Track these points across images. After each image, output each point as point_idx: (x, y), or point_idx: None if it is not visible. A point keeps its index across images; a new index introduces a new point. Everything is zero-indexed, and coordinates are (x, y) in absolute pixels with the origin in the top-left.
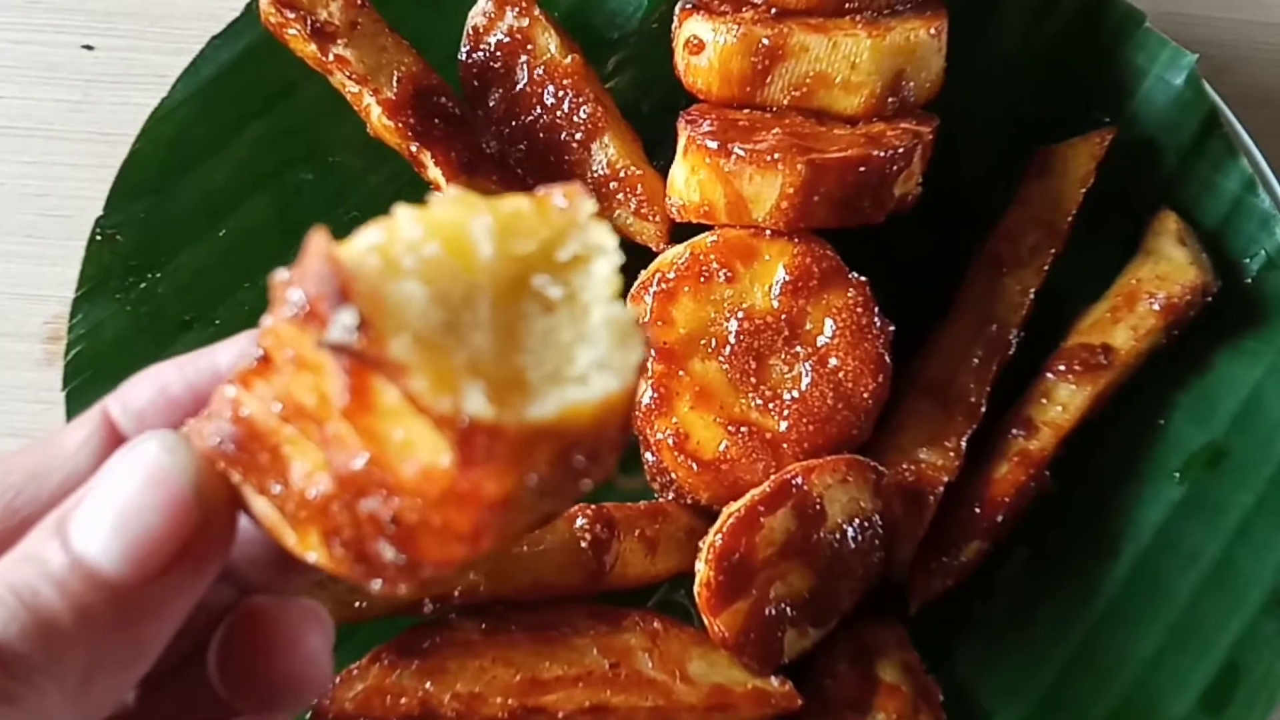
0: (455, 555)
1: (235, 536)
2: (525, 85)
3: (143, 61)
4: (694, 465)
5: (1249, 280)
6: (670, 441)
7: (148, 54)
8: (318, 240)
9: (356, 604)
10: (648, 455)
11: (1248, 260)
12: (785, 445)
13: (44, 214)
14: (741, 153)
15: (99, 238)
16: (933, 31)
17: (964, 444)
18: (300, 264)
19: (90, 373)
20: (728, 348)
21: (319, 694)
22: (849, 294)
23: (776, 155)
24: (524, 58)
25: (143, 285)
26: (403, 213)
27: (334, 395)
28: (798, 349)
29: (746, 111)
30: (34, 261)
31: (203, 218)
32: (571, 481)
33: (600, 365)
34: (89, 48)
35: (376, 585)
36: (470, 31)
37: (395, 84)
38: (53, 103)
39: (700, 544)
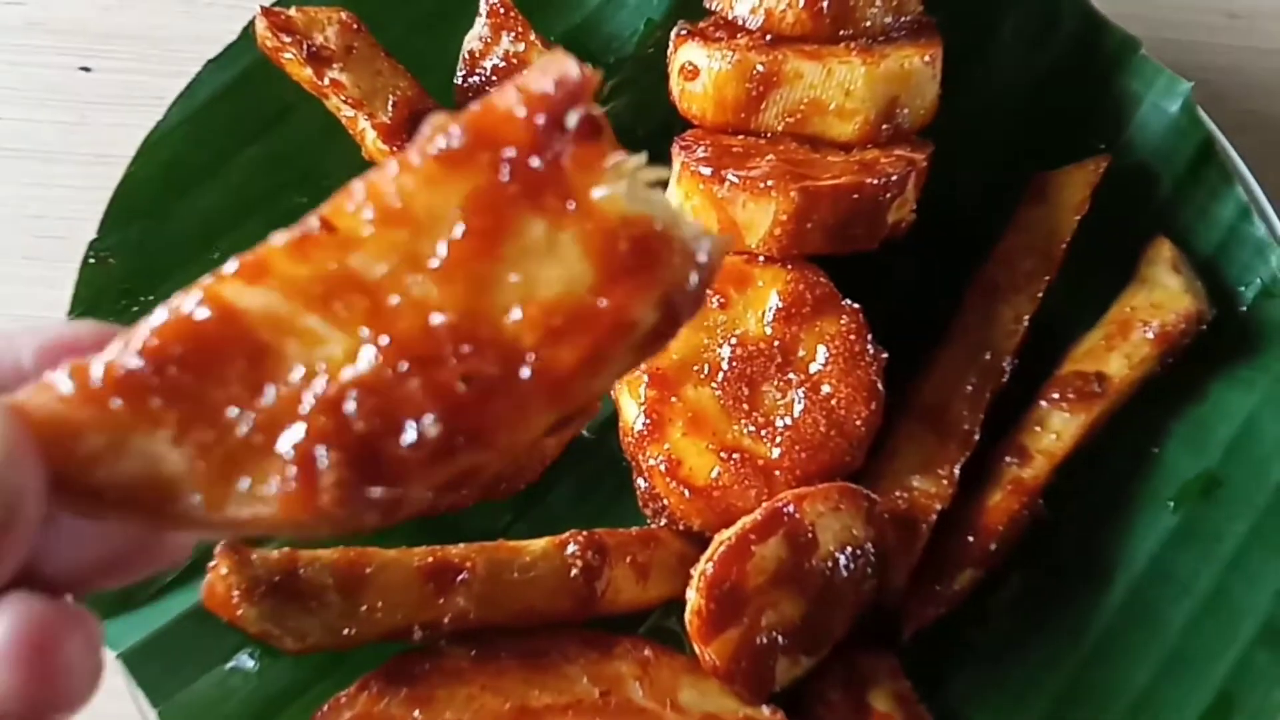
0: (526, 418)
1: (31, 541)
2: None
3: (140, 84)
4: (686, 492)
5: (1244, 308)
6: (662, 468)
7: (145, 76)
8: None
9: (345, 631)
10: (640, 481)
11: (1243, 288)
12: (778, 472)
13: (40, 236)
14: (735, 179)
15: (92, 260)
16: (927, 59)
17: (957, 471)
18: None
19: None
20: (721, 374)
21: (80, 706)
22: (842, 321)
23: (770, 182)
24: None
25: (135, 309)
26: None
27: (443, 241)
28: (791, 376)
29: (741, 137)
30: (29, 283)
31: (197, 241)
32: (668, 328)
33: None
34: (87, 70)
35: (355, 516)
36: (466, 56)
37: (390, 108)
38: (50, 124)
39: (692, 571)
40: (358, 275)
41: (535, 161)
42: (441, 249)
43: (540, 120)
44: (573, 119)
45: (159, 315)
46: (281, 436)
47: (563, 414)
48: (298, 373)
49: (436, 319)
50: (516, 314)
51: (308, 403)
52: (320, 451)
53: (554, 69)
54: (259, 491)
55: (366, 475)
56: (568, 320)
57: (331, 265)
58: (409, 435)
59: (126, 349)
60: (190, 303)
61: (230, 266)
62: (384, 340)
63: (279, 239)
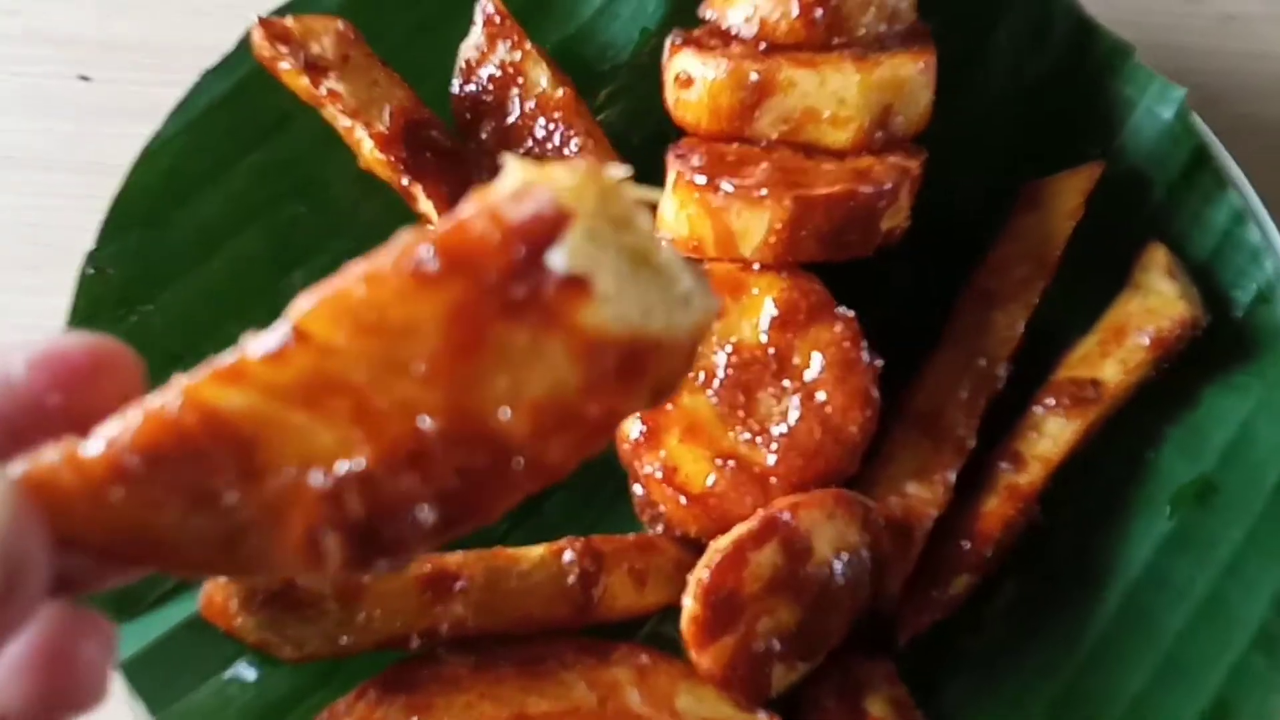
0: (520, 494)
1: (35, 609)
2: (517, 118)
3: (139, 93)
4: (682, 498)
5: (1239, 314)
6: (659, 475)
7: (143, 85)
8: (521, 172)
9: (343, 639)
10: (636, 488)
11: (1237, 294)
12: (774, 479)
13: (38, 245)
14: (729, 188)
15: (90, 271)
16: (921, 66)
17: (952, 477)
18: (499, 195)
19: None
20: (716, 381)
21: (91, 709)
22: (837, 328)
23: (764, 191)
24: (516, 91)
25: (134, 318)
26: (557, 170)
27: (423, 351)
28: (786, 383)
29: (735, 146)
30: (27, 293)
31: (195, 251)
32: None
33: (696, 293)
34: (85, 79)
35: (368, 571)
36: (463, 65)
37: (387, 118)
38: (48, 134)
39: (688, 578)
40: (339, 379)
41: (517, 289)
42: (423, 356)
43: (519, 252)
44: (558, 261)
45: (136, 414)
46: (284, 520)
47: (554, 482)
48: (292, 465)
49: (424, 421)
50: (505, 413)
51: (306, 491)
52: (323, 535)
53: (531, 198)
54: (264, 561)
55: (369, 551)
56: (556, 420)
57: (310, 371)
58: (406, 522)
59: (117, 444)
60: (171, 403)
61: (203, 372)
62: (373, 441)
63: (253, 349)
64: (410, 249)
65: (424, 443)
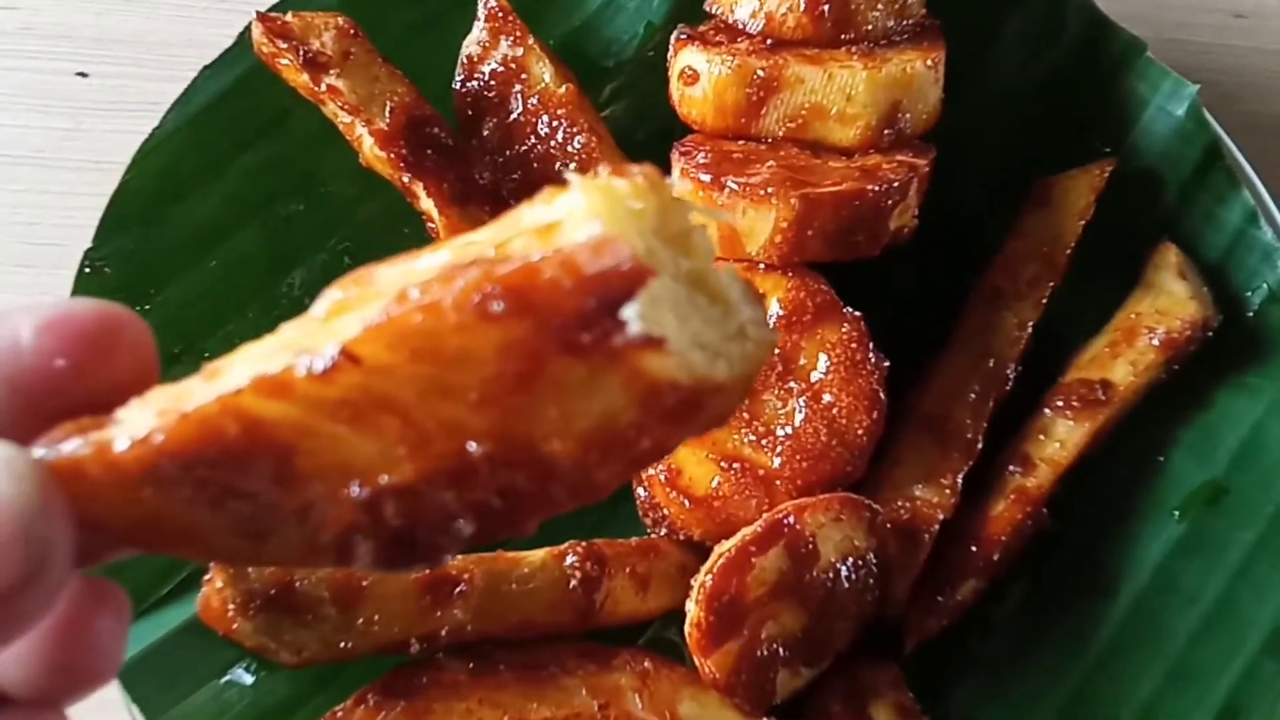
0: (558, 511)
1: (57, 597)
2: (519, 115)
3: (136, 89)
4: (686, 502)
5: (1250, 314)
6: (662, 477)
7: (141, 81)
8: (583, 190)
9: (342, 644)
10: (640, 491)
11: (1249, 294)
12: (779, 482)
13: (35, 243)
14: (735, 186)
15: (88, 269)
16: (930, 63)
17: (960, 481)
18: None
19: None
20: None
21: (105, 683)
22: (843, 329)
23: (770, 189)
24: (518, 87)
25: None
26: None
27: (476, 379)
28: (791, 384)
29: (741, 143)
30: (24, 291)
31: (193, 248)
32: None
33: (753, 324)
34: (82, 75)
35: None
36: (464, 61)
37: (388, 114)
38: (45, 130)
39: (692, 582)
40: (387, 399)
41: (583, 337)
42: (475, 383)
43: (590, 303)
44: (632, 319)
45: (170, 414)
46: (319, 521)
47: (594, 502)
48: (330, 473)
49: (471, 445)
50: (554, 441)
51: (342, 497)
52: (355, 539)
53: (610, 253)
54: (292, 555)
55: (403, 557)
56: (605, 449)
57: (358, 390)
58: (443, 535)
59: (150, 444)
60: (208, 409)
61: (242, 381)
62: (417, 459)
63: (301, 366)
64: (474, 287)
65: (468, 464)
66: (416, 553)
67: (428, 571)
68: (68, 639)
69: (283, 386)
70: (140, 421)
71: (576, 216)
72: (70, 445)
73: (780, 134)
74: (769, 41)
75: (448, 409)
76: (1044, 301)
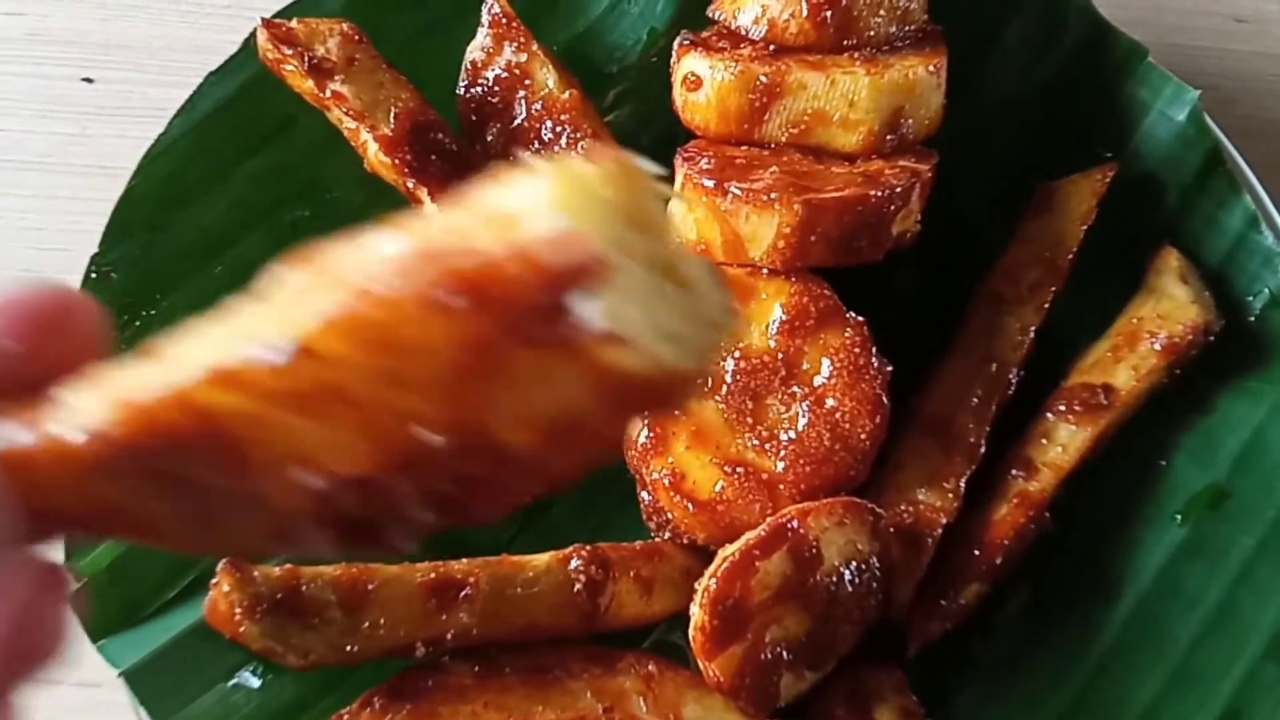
0: (520, 499)
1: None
2: (523, 120)
3: (141, 95)
4: (690, 506)
5: (1252, 319)
6: (666, 481)
7: (147, 87)
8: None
9: (348, 647)
10: (644, 495)
11: (1251, 298)
12: (782, 486)
13: (41, 248)
14: (738, 192)
15: (94, 275)
16: (932, 69)
17: (963, 485)
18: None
19: None
20: (724, 387)
21: (51, 666)
22: (846, 334)
23: (773, 195)
24: (522, 93)
25: (137, 323)
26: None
27: (432, 369)
28: (794, 389)
29: (744, 148)
30: None
31: (198, 254)
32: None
33: (720, 311)
34: (88, 80)
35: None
36: (468, 67)
37: (392, 120)
38: (51, 136)
39: (696, 586)
40: (342, 390)
41: (543, 331)
42: (431, 374)
43: (551, 298)
44: (593, 316)
45: (121, 403)
46: (270, 504)
47: (559, 489)
48: (284, 462)
49: (427, 435)
50: (511, 433)
51: (297, 487)
52: (312, 526)
53: (571, 247)
54: (242, 542)
55: (359, 544)
56: (564, 437)
57: (312, 381)
58: (399, 524)
59: (100, 435)
60: (160, 400)
61: (195, 371)
62: (372, 448)
63: (256, 358)
64: (434, 281)
65: (425, 453)
66: (374, 538)
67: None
68: (15, 626)
69: (237, 379)
70: (90, 410)
71: (541, 206)
72: (20, 435)
73: (783, 140)
74: (772, 47)
75: (404, 400)
76: (1046, 306)
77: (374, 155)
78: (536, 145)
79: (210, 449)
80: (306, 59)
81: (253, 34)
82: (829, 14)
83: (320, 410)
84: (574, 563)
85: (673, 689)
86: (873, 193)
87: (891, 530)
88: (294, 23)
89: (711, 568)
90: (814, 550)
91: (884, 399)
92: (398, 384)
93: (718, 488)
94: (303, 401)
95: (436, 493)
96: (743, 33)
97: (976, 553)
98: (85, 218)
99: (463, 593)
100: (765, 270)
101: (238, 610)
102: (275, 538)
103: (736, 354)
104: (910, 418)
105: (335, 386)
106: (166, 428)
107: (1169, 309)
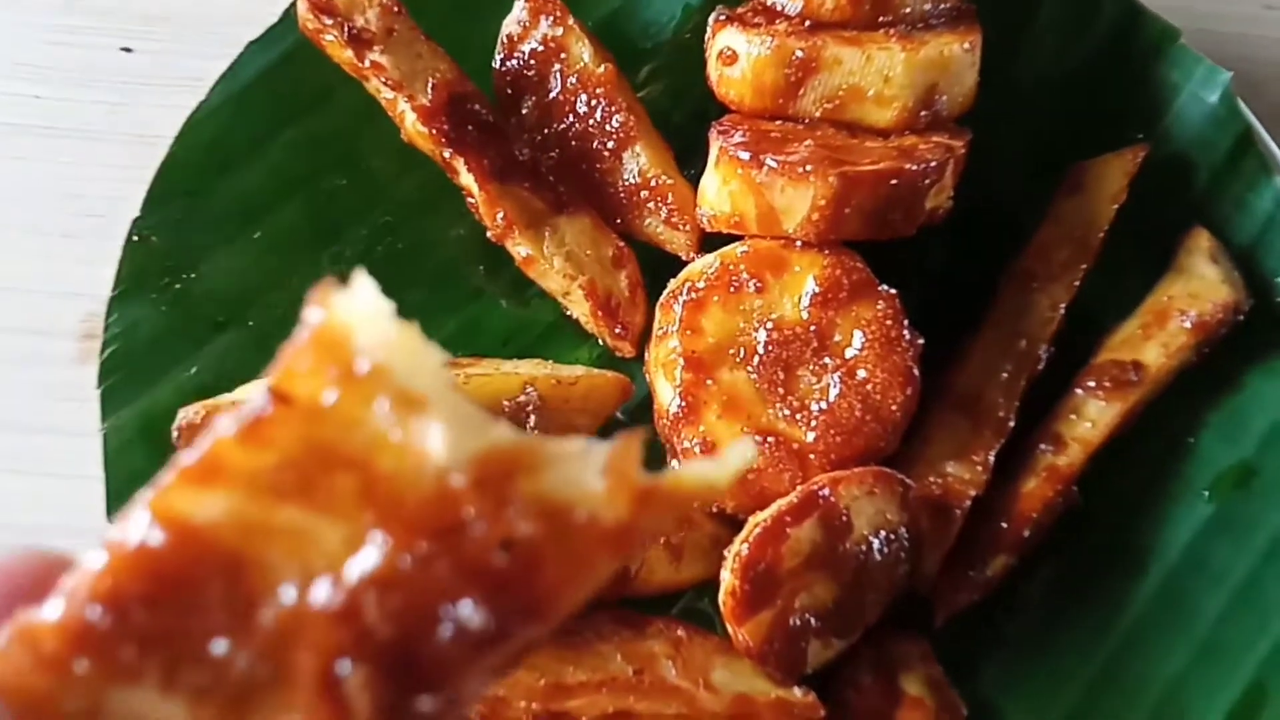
0: (595, 573)
1: None
2: (558, 93)
3: (180, 65)
4: None
5: None
6: (697, 450)
7: (185, 57)
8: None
9: None
10: (674, 463)
11: (1279, 279)
12: (812, 456)
13: (81, 214)
14: (774, 164)
15: (135, 239)
16: (967, 46)
17: (992, 458)
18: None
19: (124, 372)
20: (756, 358)
21: None
22: (878, 306)
23: (809, 167)
24: (557, 66)
25: (177, 286)
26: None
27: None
28: (826, 360)
29: (779, 123)
30: (70, 261)
31: (237, 220)
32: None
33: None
34: (127, 50)
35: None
36: (505, 40)
37: (430, 91)
38: (91, 104)
39: (725, 553)
40: (335, 448)
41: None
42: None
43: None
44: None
45: (100, 554)
46: (292, 664)
47: (631, 556)
48: (291, 582)
49: (454, 478)
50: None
51: (314, 616)
52: (344, 671)
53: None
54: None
55: (407, 686)
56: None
57: (299, 443)
58: (447, 629)
59: (76, 597)
60: (137, 529)
61: (171, 474)
62: (388, 521)
63: (225, 427)
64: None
65: (453, 509)
66: (421, 674)
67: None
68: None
69: (212, 467)
70: (67, 581)
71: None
72: None
73: (817, 115)
74: (807, 23)
75: (414, 441)
76: (1076, 284)
77: (411, 125)
78: (571, 118)
79: (203, 583)
80: (346, 29)
81: (293, 4)
82: None
83: (315, 485)
84: None
85: (701, 653)
86: (908, 166)
87: (920, 501)
88: None
89: (743, 533)
90: (844, 519)
91: (915, 371)
92: (400, 419)
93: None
94: (293, 479)
95: (482, 568)
96: (778, 8)
97: (1004, 525)
98: (124, 185)
99: None
100: (799, 243)
101: None
102: (311, 710)
103: (770, 325)
104: (941, 392)
105: (325, 444)
106: (148, 563)
107: (1199, 288)
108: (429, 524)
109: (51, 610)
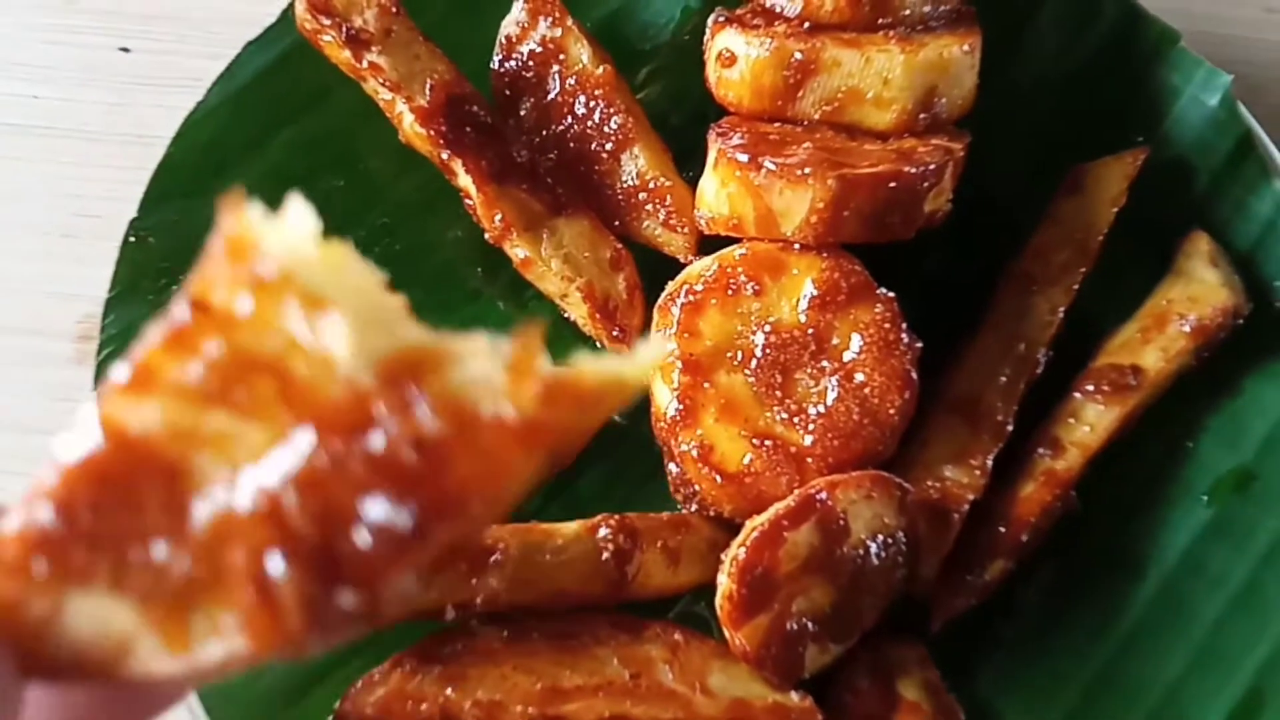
0: (511, 471)
1: None
2: (557, 95)
3: (179, 65)
4: (718, 478)
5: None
6: (694, 453)
7: (184, 57)
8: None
9: None
10: (671, 466)
11: (1279, 283)
12: (810, 460)
13: (79, 214)
14: (772, 166)
15: (132, 240)
16: (966, 48)
17: (990, 462)
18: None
19: None
20: (754, 361)
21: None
22: (876, 309)
23: (807, 170)
24: (556, 68)
25: (174, 287)
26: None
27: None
28: (824, 364)
29: (777, 125)
30: (68, 261)
31: None
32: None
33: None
34: (126, 50)
35: (334, 631)
36: (503, 40)
37: (428, 92)
38: (89, 104)
39: (723, 556)
40: (252, 353)
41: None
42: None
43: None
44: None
45: (50, 468)
46: (224, 560)
47: (554, 450)
48: (221, 484)
49: (360, 378)
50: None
51: (241, 515)
52: (272, 566)
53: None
54: (221, 629)
55: (331, 581)
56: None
57: (218, 350)
58: (364, 527)
59: (32, 504)
60: (82, 438)
61: (114, 380)
62: (305, 421)
63: (153, 334)
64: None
65: (365, 410)
66: (345, 573)
67: (364, 619)
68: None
69: (143, 376)
70: (36, 480)
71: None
72: None
73: (816, 117)
74: (806, 25)
75: (326, 347)
76: (1075, 287)
77: (409, 126)
78: (570, 120)
79: (144, 482)
80: (344, 29)
81: (291, 4)
82: None
83: (237, 387)
84: (602, 531)
85: (698, 657)
86: (906, 169)
87: (918, 505)
88: None
89: (740, 537)
90: (842, 523)
91: (913, 374)
92: (313, 322)
93: (746, 460)
94: (218, 385)
95: (396, 468)
96: (777, 10)
97: (1002, 530)
98: (122, 186)
99: (493, 558)
100: (797, 245)
101: None
102: (247, 609)
103: (767, 328)
104: (939, 395)
105: (243, 352)
106: (95, 470)
107: (1199, 292)
108: (341, 424)
109: (10, 521)
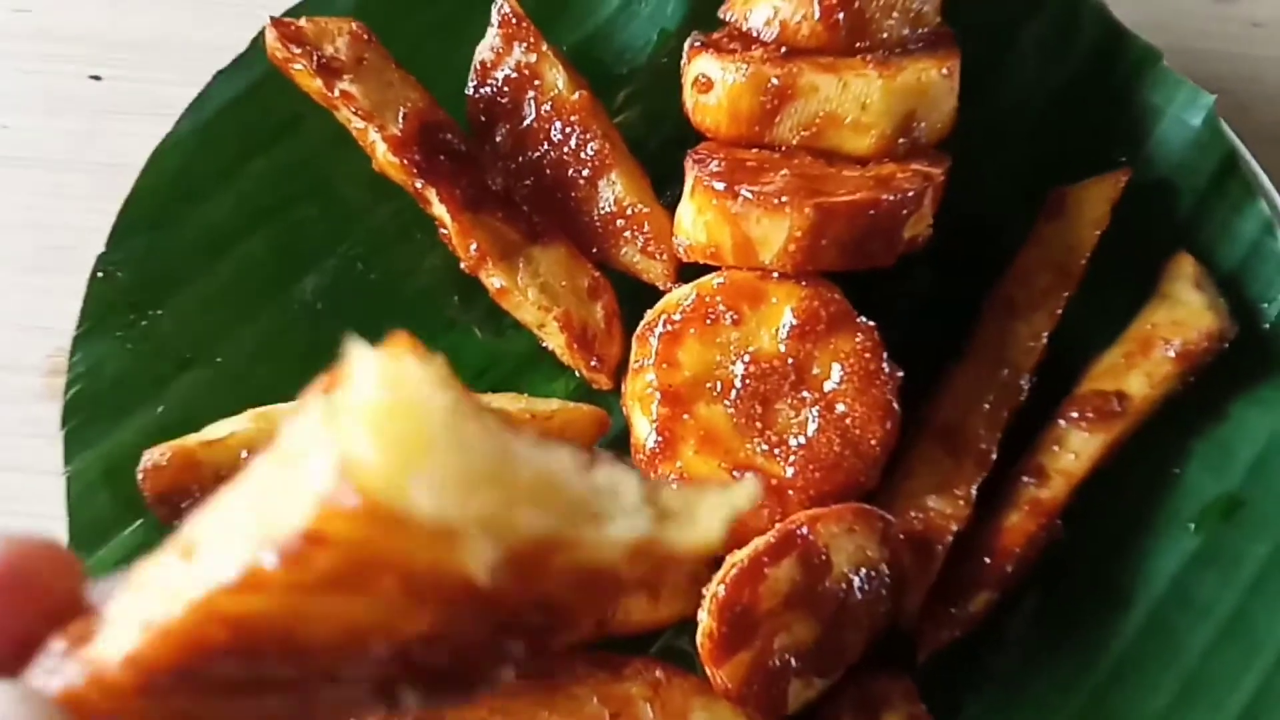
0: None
1: None
2: (532, 121)
3: (150, 93)
4: None
5: (1266, 326)
6: (675, 486)
7: (155, 85)
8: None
9: None
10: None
11: (1266, 305)
12: (791, 492)
13: (48, 246)
14: (749, 195)
15: (100, 275)
16: (945, 71)
17: (974, 492)
18: None
19: (89, 412)
20: (734, 392)
21: None
22: (857, 339)
23: (784, 198)
24: (531, 93)
25: (144, 322)
26: None
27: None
28: (805, 394)
29: (755, 151)
30: (37, 294)
31: (205, 253)
32: None
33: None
34: (96, 78)
35: None
36: (478, 66)
37: (401, 120)
38: (59, 133)
39: (704, 592)
40: (376, 562)
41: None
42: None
43: None
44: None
45: (150, 630)
46: (352, 683)
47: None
48: (340, 638)
49: (482, 576)
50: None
51: (367, 657)
52: (399, 687)
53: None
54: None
55: (455, 690)
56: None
57: (342, 563)
58: (491, 658)
59: (139, 664)
60: (184, 618)
61: (207, 583)
62: (431, 606)
63: (266, 559)
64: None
65: (485, 596)
66: (469, 683)
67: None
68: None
69: (255, 583)
70: (126, 633)
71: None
72: (66, 673)
73: (794, 142)
74: (783, 49)
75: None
76: (1059, 312)
77: (382, 155)
78: (546, 146)
79: (258, 649)
80: (315, 58)
81: (262, 33)
82: (841, 16)
83: (356, 586)
84: None
85: (680, 695)
86: (884, 196)
87: (901, 537)
88: (303, 21)
89: (720, 574)
90: (823, 557)
91: (894, 405)
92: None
93: None
94: (337, 582)
95: (518, 625)
96: (754, 34)
97: (987, 560)
98: (92, 215)
99: None
100: (775, 274)
101: None
102: (368, 704)
103: (747, 358)
104: (921, 424)
105: (367, 560)
106: (202, 644)
107: (1183, 315)
108: (466, 607)
109: (115, 669)
